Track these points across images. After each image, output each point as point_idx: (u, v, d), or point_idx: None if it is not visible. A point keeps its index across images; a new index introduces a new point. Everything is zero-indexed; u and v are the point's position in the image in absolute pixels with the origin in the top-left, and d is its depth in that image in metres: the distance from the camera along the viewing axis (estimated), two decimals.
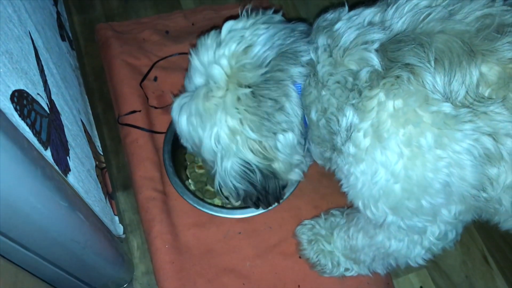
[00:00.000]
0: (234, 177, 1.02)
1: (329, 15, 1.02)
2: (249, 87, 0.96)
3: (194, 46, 1.08)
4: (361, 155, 0.91)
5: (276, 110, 0.96)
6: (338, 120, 0.92)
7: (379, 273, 1.28)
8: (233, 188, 1.05)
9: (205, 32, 1.07)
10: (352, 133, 0.90)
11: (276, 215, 1.42)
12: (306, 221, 1.39)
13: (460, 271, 1.47)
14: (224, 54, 0.99)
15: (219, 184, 1.06)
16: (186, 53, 1.67)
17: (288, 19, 1.11)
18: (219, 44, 1.01)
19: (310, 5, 2.01)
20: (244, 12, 1.07)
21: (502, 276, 1.47)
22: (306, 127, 1.03)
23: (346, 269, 1.31)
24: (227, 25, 1.04)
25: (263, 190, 1.06)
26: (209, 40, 1.04)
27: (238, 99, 0.96)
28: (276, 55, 0.97)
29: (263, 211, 1.35)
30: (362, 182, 0.94)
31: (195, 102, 1.01)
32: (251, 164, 1.00)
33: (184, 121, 1.04)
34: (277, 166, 1.04)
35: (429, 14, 0.87)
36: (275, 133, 0.98)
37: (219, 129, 0.98)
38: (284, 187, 1.14)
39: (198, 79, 1.04)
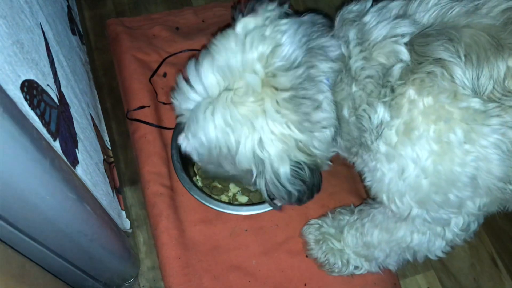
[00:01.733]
0: (288, 180, 0.98)
1: (354, 7, 1.00)
2: (286, 90, 0.92)
3: (204, 46, 1.01)
4: (392, 153, 0.90)
5: (314, 108, 0.93)
6: (370, 118, 0.91)
7: (389, 271, 1.27)
8: (287, 191, 1.00)
9: (216, 31, 1.03)
10: (382, 130, 0.90)
11: (283, 213, 1.41)
12: (312, 221, 1.38)
13: (468, 273, 1.46)
14: (254, 59, 0.92)
15: (269, 191, 1.01)
16: (196, 50, 1.69)
17: (296, 11, 1.07)
18: (243, 46, 0.94)
19: (321, 4, 2.01)
20: (249, 5, 1.01)
21: (510, 279, 1.45)
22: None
23: (356, 267, 1.30)
24: (242, 23, 0.97)
25: (312, 185, 1.02)
26: (232, 40, 0.96)
27: (277, 103, 0.92)
28: (306, 52, 0.93)
29: (269, 208, 1.34)
30: (389, 178, 0.93)
31: (224, 108, 0.93)
32: (300, 163, 0.97)
33: (212, 130, 0.95)
34: (318, 160, 1.02)
35: (454, 9, 0.87)
36: (312, 131, 0.95)
37: (263, 135, 0.93)
38: None
39: (212, 81, 0.95)
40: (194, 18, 1.84)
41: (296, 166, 0.96)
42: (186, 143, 1.06)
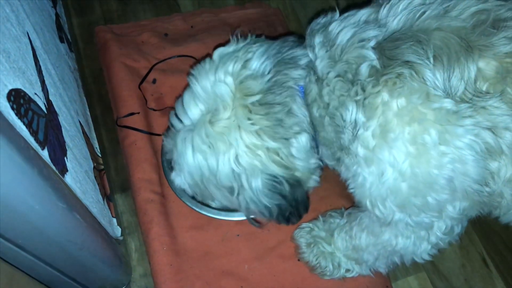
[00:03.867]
0: (265, 194, 0.99)
1: (322, 19, 1.03)
2: (255, 94, 0.96)
3: (190, 71, 1.08)
4: (371, 157, 0.91)
5: (286, 113, 0.96)
6: (341, 115, 0.92)
7: (380, 273, 1.28)
8: (265, 206, 1.02)
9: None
10: (358, 131, 0.90)
11: None
12: (303, 224, 1.38)
13: (459, 274, 1.47)
14: (226, 72, 0.99)
15: (247, 205, 1.04)
16: (185, 56, 1.70)
17: (273, 37, 1.14)
18: (216, 67, 1.01)
19: (308, 8, 2.02)
20: (234, 37, 1.08)
21: (501, 279, 1.46)
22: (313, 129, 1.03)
23: (347, 270, 1.30)
24: (218, 51, 1.05)
25: (293, 200, 1.04)
26: (207, 65, 1.04)
27: (249, 110, 0.95)
28: (275, 63, 0.98)
29: None
30: (370, 182, 0.94)
31: (200, 131, 0.97)
32: (277, 177, 0.99)
33: (190, 153, 1.00)
34: (299, 174, 1.03)
35: (424, 12, 0.88)
36: (287, 139, 0.97)
37: (237, 149, 0.96)
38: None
39: (194, 110, 1.02)
40: (183, 24, 1.84)
41: (272, 179, 0.98)
42: (178, 178, 1.09)
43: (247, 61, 1.00)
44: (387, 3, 0.93)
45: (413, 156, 0.87)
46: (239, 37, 1.08)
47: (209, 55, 1.08)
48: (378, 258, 1.21)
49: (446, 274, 1.46)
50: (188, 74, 1.07)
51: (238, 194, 1.02)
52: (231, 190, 1.03)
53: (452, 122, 0.83)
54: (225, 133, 0.96)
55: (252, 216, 1.08)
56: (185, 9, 1.95)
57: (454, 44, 0.83)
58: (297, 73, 0.98)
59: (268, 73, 0.97)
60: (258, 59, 0.99)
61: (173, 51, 1.71)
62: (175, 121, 1.06)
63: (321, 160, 1.10)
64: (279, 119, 0.95)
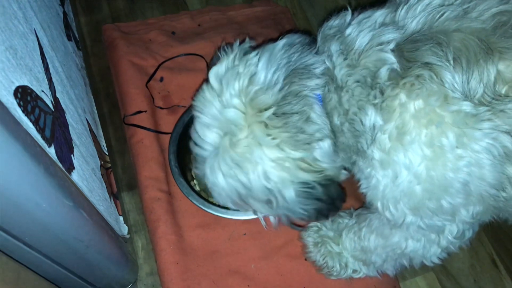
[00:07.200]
0: (300, 202, 0.97)
1: (334, 22, 0.99)
2: (269, 107, 0.92)
3: (192, 102, 1.02)
4: (386, 159, 0.89)
5: (304, 121, 0.92)
6: (361, 121, 0.90)
7: (388, 275, 1.27)
8: (304, 213, 1.00)
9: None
10: (376, 134, 0.89)
11: None
12: (311, 224, 1.38)
13: (468, 274, 1.45)
14: (231, 95, 0.94)
15: (288, 215, 1.02)
16: (193, 54, 1.69)
17: (272, 39, 1.07)
18: (220, 91, 0.95)
19: (317, 6, 2.01)
20: (220, 52, 1.02)
21: (511, 280, 1.45)
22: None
23: (354, 271, 1.29)
24: (213, 74, 0.98)
25: (329, 199, 1.01)
26: (207, 94, 0.97)
27: (265, 125, 0.92)
28: (287, 74, 0.93)
29: None
30: (384, 184, 0.92)
31: (225, 156, 0.95)
32: (308, 183, 0.96)
33: (221, 179, 0.97)
34: (330, 173, 1.00)
35: (443, 13, 0.86)
36: (309, 144, 0.93)
37: (263, 166, 0.93)
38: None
39: (211, 135, 0.97)
40: (190, 23, 1.83)
41: (305, 186, 0.95)
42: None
43: (252, 76, 0.94)
44: (404, 4, 0.91)
45: (429, 159, 0.85)
46: (225, 48, 1.01)
47: (206, 80, 1.01)
48: (387, 260, 1.19)
49: (455, 275, 1.45)
50: (192, 106, 1.02)
51: (276, 206, 0.99)
52: (269, 202, 1.00)
53: (470, 125, 0.81)
54: (247, 152, 0.92)
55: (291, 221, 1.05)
56: (193, 7, 1.95)
57: (474, 46, 0.81)
58: (313, 82, 0.93)
59: (280, 83, 0.92)
60: (265, 70, 0.93)
61: (180, 49, 1.71)
62: (197, 149, 1.01)
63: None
64: (299, 127, 0.92)
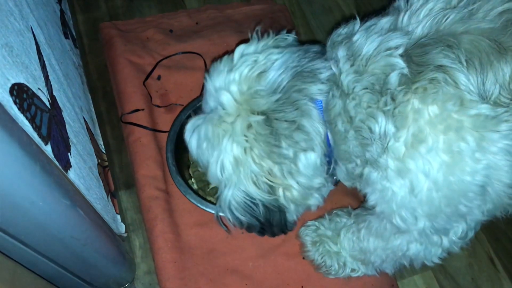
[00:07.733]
0: (236, 208, 0.99)
1: (343, 30, 0.99)
2: (262, 114, 0.93)
3: (207, 71, 1.06)
4: (403, 169, 0.88)
5: (293, 130, 0.92)
6: (370, 128, 0.88)
7: (386, 274, 1.27)
8: (235, 218, 1.02)
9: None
10: (389, 143, 0.87)
11: None
12: (309, 222, 1.38)
13: (466, 273, 1.45)
14: (234, 80, 0.97)
15: (218, 211, 1.05)
16: (190, 52, 1.69)
17: (301, 42, 1.10)
18: (230, 69, 0.98)
19: (314, 5, 2.00)
20: (255, 34, 1.04)
21: (509, 279, 1.45)
22: (329, 146, 0.98)
23: (353, 270, 1.29)
24: (239, 49, 1.01)
25: (267, 222, 1.02)
26: (222, 65, 1.01)
27: (249, 126, 0.93)
28: (292, 77, 0.94)
29: None
30: (401, 196, 0.91)
31: (206, 126, 0.99)
32: (253, 198, 0.97)
33: (194, 143, 1.03)
34: (290, 195, 0.99)
35: (448, 17, 0.85)
36: (288, 158, 0.94)
37: (224, 157, 0.96)
38: (292, 223, 1.09)
39: (212, 103, 1.02)
40: (188, 21, 1.83)
41: (248, 199, 0.97)
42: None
43: (262, 72, 0.96)
44: (405, 10, 0.91)
45: (447, 165, 0.85)
46: (260, 35, 1.05)
47: (231, 52, 1.05)
48: (386, 261, 1.19)
49: (453, 273, 1.45)
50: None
51: (220, 198, 1.02)
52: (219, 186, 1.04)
53: (489, 128, 0.81)
54: (221, 137, 0.96)
55: (221, 214, 1.06)
56: (190, 6, 1.94)
57: (485, 47, 0.80)
58: (316, 88, 0.94)
59: (282, 90, 0.94)
60: (275, 71, 0.95)
61: (178, 47, 1.70)
62: (202, 103, 1.08)
63: (333, 175, 1.06)
64: (287, 136, 0.93)
